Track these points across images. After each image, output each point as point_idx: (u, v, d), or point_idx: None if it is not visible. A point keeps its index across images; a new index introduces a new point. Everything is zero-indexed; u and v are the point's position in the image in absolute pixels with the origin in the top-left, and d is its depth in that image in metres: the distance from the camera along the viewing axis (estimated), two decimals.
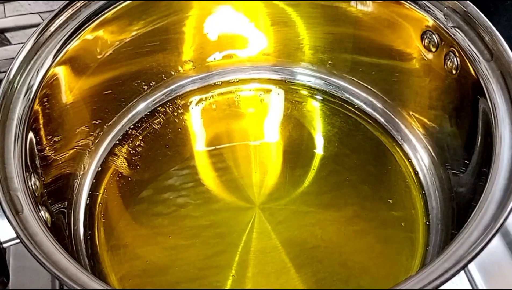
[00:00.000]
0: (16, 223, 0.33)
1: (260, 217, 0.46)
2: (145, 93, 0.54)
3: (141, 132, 0.53)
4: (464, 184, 0.43)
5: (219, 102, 0.56)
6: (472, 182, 0.41)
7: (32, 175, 0.38)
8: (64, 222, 0.44)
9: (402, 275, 0.43)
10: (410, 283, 0.29)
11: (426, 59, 0.46)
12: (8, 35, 0.58)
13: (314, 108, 0.55)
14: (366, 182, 0.48)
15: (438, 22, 0.42)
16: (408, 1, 0.44)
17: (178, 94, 0.56)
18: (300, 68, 0.56)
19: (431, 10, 0.43)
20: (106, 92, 0.50)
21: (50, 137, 0.44)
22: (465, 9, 0.41)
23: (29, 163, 0.38)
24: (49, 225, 0.38)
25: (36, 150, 0.41)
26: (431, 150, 0.49)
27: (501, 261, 0.47)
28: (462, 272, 0.46)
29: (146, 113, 0.54)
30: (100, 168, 0.50)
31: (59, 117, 0.45)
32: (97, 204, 0.48)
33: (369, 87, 0.53)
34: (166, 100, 0.55)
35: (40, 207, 0.37)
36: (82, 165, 0.49)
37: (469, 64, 0.40)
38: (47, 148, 0.43)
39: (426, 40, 0.45)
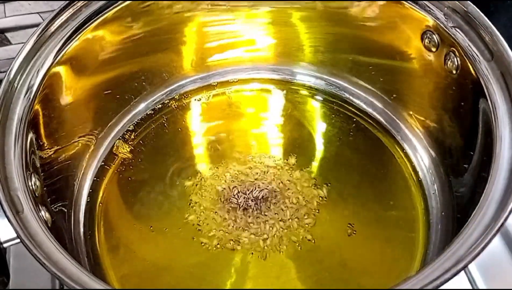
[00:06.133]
0: (16, 223, 0.33)
1: None
2: (145, 93, 0.54)
3: (141, 132, 0.53)
4: (464, 184, 0.43)
5: (219, 102, 0.56)
6: (472, 182, 0.41)
7: (32, 175, 0.38)
8: (64, 222, 0.44)
9: (402, 275, 0.43)
10: (410, 283, 0.29)
11: (426, 59, 0.46)
12: (8, 35, 0.58)
13: (314, 108, 0.55)
14: (366, 182, 0.48)
15: (438, 22, 0.42)
16: (408, 1, 0.44)
17: (178, 94, 0.56)
18: (300, 68, 0.56)
19: (431, 10, 0.43)
20: (106, 92, 0.50)
21: (50, 137, 0.44)
22: (465, 9, 0.41)
23: (29, 163, 0.38)
24: (49, 225, 0.38)
25: (36, 150, 0.41)
26: (431, 150, 0.49)
27: (501, 261, 0.47)
28: (462, 272, 0.45)
29: (146, 113, 0.54)
30: (100, 168, 0.50)
31: (59, 117, 0.45)
32: (97, 204, 0.48)
33: (369, 87, 0.53)
34: (166, 100, 0.55)
35: (40, 207, 0.37)
36: (82, 165, 0.49)
37: (469, 64, 0.40)
38: (47, 148, 0.43)
39: (427, 40, 0.45)
